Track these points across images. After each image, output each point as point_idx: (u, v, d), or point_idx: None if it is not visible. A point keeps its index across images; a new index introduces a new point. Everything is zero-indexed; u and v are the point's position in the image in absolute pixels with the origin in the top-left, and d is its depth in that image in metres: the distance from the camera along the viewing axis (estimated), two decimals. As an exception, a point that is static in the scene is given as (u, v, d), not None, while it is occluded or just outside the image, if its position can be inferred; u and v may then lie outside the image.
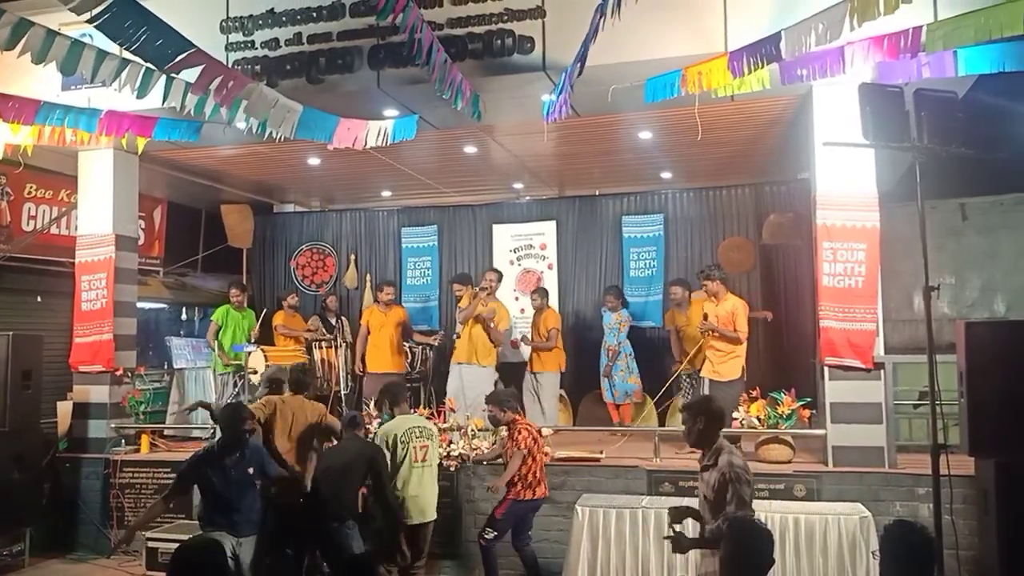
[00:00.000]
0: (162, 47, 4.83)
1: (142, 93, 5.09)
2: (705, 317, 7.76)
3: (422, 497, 5.88)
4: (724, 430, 7.29)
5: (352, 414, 6.11)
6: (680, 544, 4.29)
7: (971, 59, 5.27)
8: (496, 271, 8.96)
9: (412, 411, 6.61)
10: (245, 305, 9.80)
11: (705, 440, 4.43)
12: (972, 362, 5.19)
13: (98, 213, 8.42)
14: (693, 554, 4.70)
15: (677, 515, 4.43)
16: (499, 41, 6.53)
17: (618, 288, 9.77)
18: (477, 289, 8.65)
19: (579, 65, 5.57)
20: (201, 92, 5.16)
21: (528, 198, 11.42)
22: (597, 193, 11.03)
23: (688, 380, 8.63)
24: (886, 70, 5.64)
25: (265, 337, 9.58)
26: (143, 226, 10.60)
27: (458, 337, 8.76)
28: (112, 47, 5.22)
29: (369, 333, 9.26)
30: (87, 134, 6.70)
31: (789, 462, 6.73)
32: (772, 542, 3.50)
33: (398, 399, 6.19)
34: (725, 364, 7.67)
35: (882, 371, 6.42)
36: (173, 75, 5.23)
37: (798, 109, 7.24)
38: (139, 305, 9.21)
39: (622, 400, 9.21)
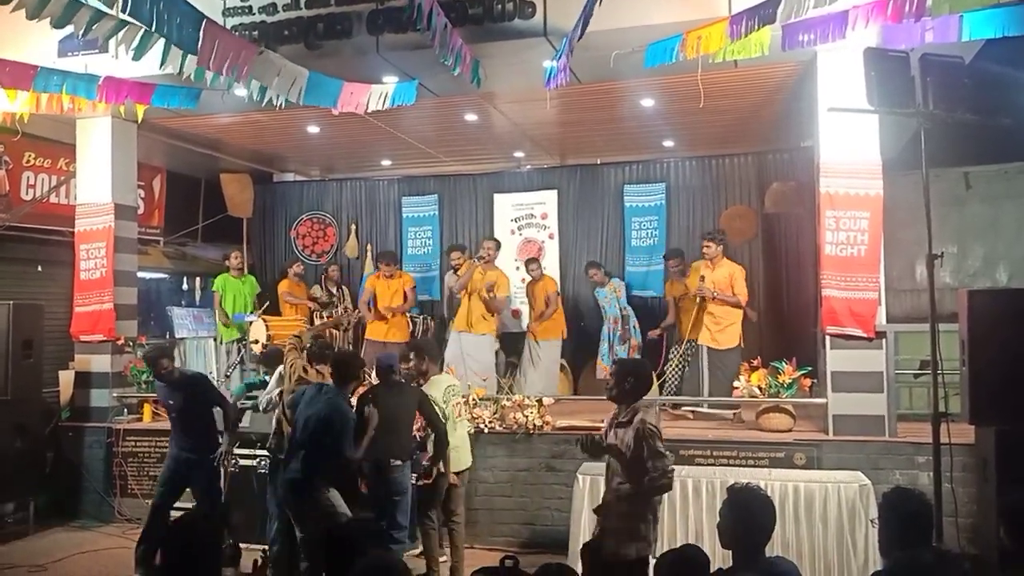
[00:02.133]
0: (183, 26, 4.75)
1: (138, 55, 5.01)
2: (702, 279, 7.75)
3: (463, 448, 6.07)
4: (722, 398, 7.50)
5: (389, 362, 6.12)
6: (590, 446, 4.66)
7: (976, 23, 5.19)
8: (494, 240, 8.94)
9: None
10: (244, 272, 9.90)
11: (628, 398, 4.65)
12: (974, 331, 5.17)
13: (97, 182, 8.37)
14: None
15: (593, 448, 4.68)
16: (500, 6, 6.43)
17: (596, 262, 9.77)
18: (475, 259, 8.64)
19: (581, 28, 5.50)
20: (219, 69, 5.08)
21: (529, 167, 11.35)
22: (599, 162, 10.98)
23: (684, 349, 8.62)
24: (890, 35, 5.57)
25: (272, 310, 9.63)
26: (142, 195, 10.55)
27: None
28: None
29: (375, 301, 9.17)
30: (85, 101, 6.62)
31: (790, 431, 6.75)
32: (773, 509, 3.51)
33: (433, 359, 6.17)
34: (723, 332, 7.70)
35: (884, 340, 6.42)
36: (203, 65, 5.15)
37: (802, 76, 7.17)
38: (140, 275, 9.20)
39: None
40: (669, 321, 8.88)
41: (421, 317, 10.01)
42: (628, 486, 4.51)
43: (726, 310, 7.71)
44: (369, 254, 11.24)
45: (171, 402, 6.41)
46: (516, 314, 9.86)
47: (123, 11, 4.61)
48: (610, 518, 4.59)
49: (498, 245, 8.87)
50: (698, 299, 7.88)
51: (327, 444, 5.29)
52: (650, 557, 4.41)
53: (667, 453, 4.50)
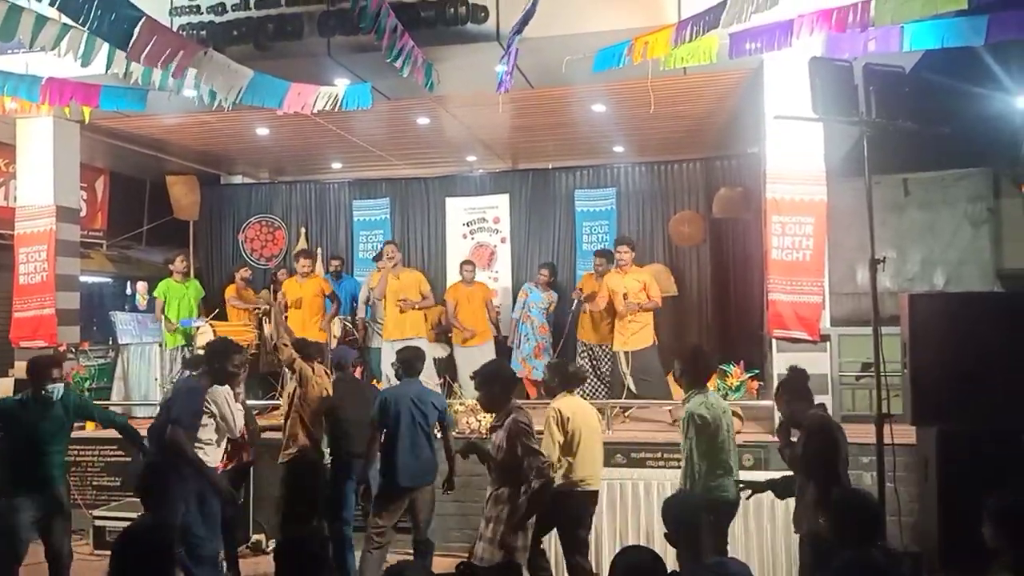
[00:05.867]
0: (117, 23, 4.63)
1: (86, 61, 4.91)
2: (625, 296, 7.87)
3: None
4: (665, 401, 7.62)
5: (339, 356, 6.23)
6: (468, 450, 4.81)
7: (916, 35, 5.36)
8: (392, 243, 8.97)
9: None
10: (189, 276, 9.72)
11: (499, 404, 4.70)
12: (915, 334, 5.31)
13: (38, 183, 8.17)
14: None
15: (469, 451, 4.83)
16: (452, 9, 6.44)
17: (553, 265, 9.83)
18: (381, 268, 8.65)
19: (520, 25, 5.55)
20: (153, 64, 4.98)
21: (481, 171, 11.36)
22: (550, 166, 11.03)
23: (589, 354, 8.76)
24: (834, 44, 5.71)
25: (214, 310, 9.46)
26: (85, 197, 10.31)
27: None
28: (52, 11, 5.04)
29: (287, 307, 8.98)
30: (28, 103, 6.46)
31: (738, 432, 6.83)
32: (703, 508, 3.64)
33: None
34: (637, 335, 7.91)
35: (828, 343, 6.56)
36: (134, 60, 5.04)
37: (749, 83, 7.30)
38: (82, 279, 8.99)
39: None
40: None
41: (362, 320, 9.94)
42: (503, 490, 4.54)
43: (641, 312, 7.91)
44: (320, 257, 11.11)
45: None
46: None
47: (51, 4, 4.47)
48: (486, 523, 4.59)
49: (397, 246, 8.91)
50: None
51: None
52: (522, 567, 4.51)
53: (541, 451, 4.56)
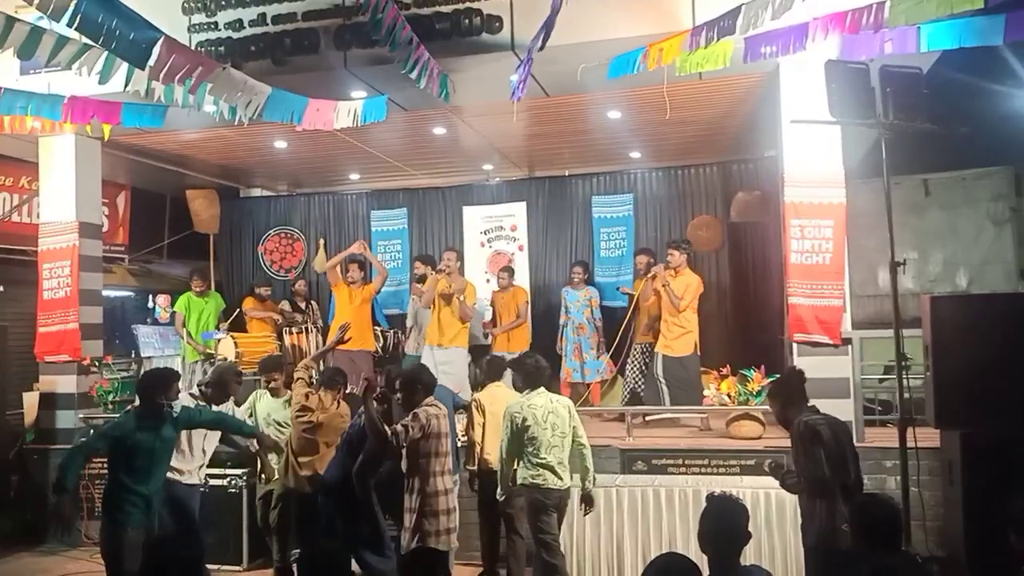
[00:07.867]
0: (135, 44, 4.69)
1: (104, 78, 4.98)
2: (665, 265, 7.85)
3: None
4: (693, 407, 7.56)
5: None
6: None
7: (933, 35, 5.31)
8: (455, 251, 8.82)
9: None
10: (209, 290, 9.81)
11: (414, 406, 5.06)
12: (938, 336, 5.27)
13: (60, 200, 8.26)
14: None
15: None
16: (467, 20, 6.48)
17: (585, 263, 9.72)
18: (435, 271, 8.58)
19: (542, 40, 5.56)
20: (171, 81, 5.05)
21: (498, 179, 11.37)
22: (567, 173, 11.04)
23: (642, 353, 8.62)
24: (850, 47, 5.68)
25: (235, 323, 9.53)
26: (107, 213, 10.43)
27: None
28: (72, 31, 5.12)
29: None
30: (50, 121, 6.54)
31: (759, 438, 6.81)
32: (747, 515, 3.52)
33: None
34: (678, 340, 7.76)
35: (849, 346, 6.51)
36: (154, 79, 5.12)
37: (765, 87, 7.27)
38: (105, 293, 9.08)
39: (593, 378, 9.17)
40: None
41: (392, 331, 9.96)
42: (413, 480, 5.03)
43: (685, 317, 7.77)
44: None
45: None
46: (488, 326, 9.76)
47: (70, 25, 4.53)
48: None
49: (459, 256, 8.74)
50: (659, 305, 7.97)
51: None
52: (440, 552, 4.99)
53: (406, 428, 4.88)
